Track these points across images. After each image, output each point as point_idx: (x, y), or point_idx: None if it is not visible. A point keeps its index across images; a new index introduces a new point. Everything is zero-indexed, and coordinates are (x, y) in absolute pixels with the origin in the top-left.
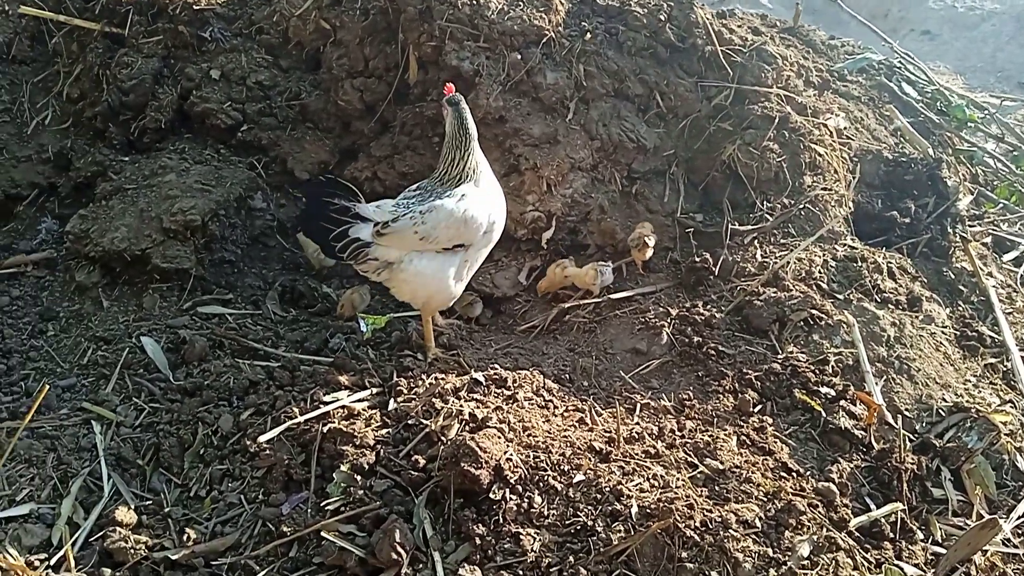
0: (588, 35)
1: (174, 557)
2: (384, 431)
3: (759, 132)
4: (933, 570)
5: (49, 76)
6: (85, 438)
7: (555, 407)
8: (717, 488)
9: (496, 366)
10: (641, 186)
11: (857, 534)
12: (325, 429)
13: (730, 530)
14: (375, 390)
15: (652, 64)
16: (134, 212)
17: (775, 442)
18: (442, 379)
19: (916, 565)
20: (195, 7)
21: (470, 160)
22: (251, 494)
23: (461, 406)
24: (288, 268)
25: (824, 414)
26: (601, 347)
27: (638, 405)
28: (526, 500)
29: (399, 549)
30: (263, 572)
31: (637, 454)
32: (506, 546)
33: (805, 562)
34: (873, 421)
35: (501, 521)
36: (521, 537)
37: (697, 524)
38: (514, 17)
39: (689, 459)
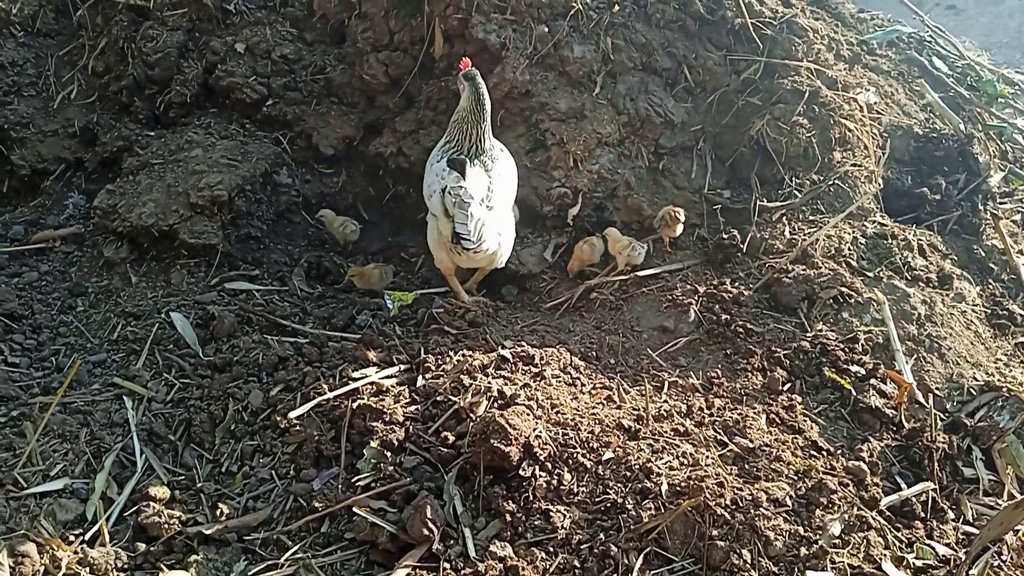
0: (616, 7)
1: (208, 532)
2: (413, 408)
3: (789, 107)
4: (965, 550)
5: (74, 50)
6: (117, 413)
7: (582, 384)
8: (747, 466)
9: (523, 343)
10: (668, 162)
11: (888, 513)
12: (355, 405)
13: (761, 508)
14: (403, 367)
15: (680, 37)
16: (161, 187)
17: (805, 421)
18: (470, 356)
19: (947, 545)
20: None
21: (487, 134)
22: (282, 470)
23: (489, 383)
24: (313, 244)
25: (854, 392)
26: (628, 325)
27: (666, 383)
28: (556, 477)
29: (430, 525)
30: (295, 547)
31: (666, 432)
32: (536, 523)
33: (836, 541)
34: (903, 400)
35: (531, 498)
36: (551, 514)
37: (727, 502)
38: None
39: (718, 437)
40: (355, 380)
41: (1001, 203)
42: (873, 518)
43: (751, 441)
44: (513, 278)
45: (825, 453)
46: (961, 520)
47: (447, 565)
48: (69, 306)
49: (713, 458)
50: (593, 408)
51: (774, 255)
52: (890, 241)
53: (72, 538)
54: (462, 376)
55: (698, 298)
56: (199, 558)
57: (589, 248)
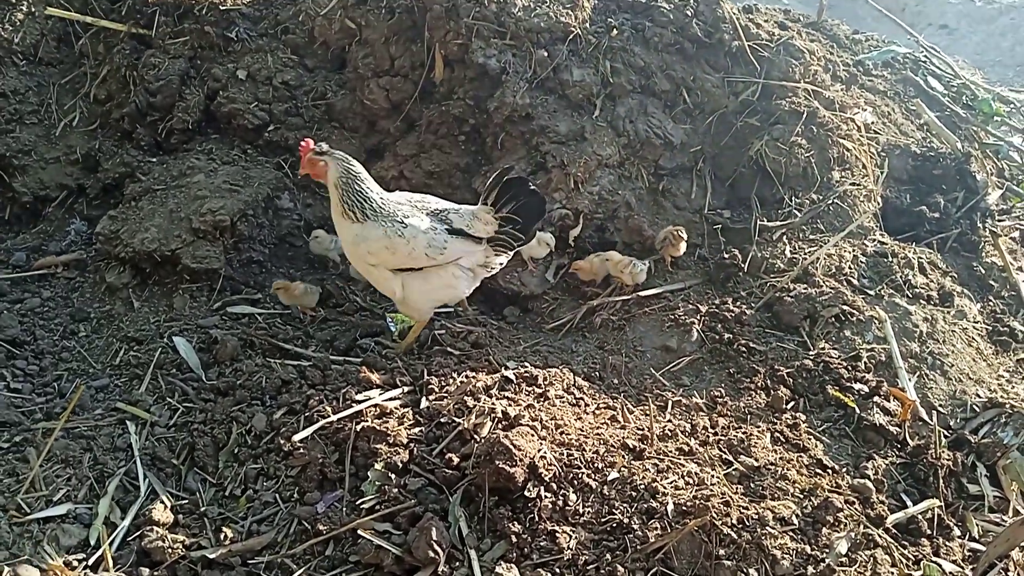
0: (614, 31)
1: (212, 556)
2: (417, 429)
3: (787, 127)
4: (972, 567)
5: (76, 77)
6: (120, 438)
7: (586, 405)
8: (752, 485)
9: (526, 364)
10: (668, 182)
11: (894, 531)
12: (358, 427)
13: (767, 527)
14: (406, 388)
15: (679, 60)
16: (164, 213)
17: (809, 439)
18: (473, 377)
19: (954, 562)
20: (221, 7)
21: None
22: (286, 493)
23: (493, 404)
24: (315, 268)
25: (858, 410)
26: (631, 344)
27: (670, 402)
28: (561, 498)
29: (436, 547)
30: (300, 570)
31: (671, 451)
32: (542, 544)
33: (843, 559)
34: (907, 417)
35: (536, 519)
36: (557, 535)
37: (734, 521)
38: (540, 14)
39: (723, 456)
40: (358, 402)
41: (999, 220)
42: (880, 536)
43: (756, 460)
44: (515, 299)
45: (830, 471)
46: (967, 537)
47: None
48: (71, 331)
49: (718, 477)
50: (597, 428)
51: (775, 274)
52: (890, 259)
53: (76, 564)
54: (466, 397)
55: (700, 317)
56: None
57: (600, 262)
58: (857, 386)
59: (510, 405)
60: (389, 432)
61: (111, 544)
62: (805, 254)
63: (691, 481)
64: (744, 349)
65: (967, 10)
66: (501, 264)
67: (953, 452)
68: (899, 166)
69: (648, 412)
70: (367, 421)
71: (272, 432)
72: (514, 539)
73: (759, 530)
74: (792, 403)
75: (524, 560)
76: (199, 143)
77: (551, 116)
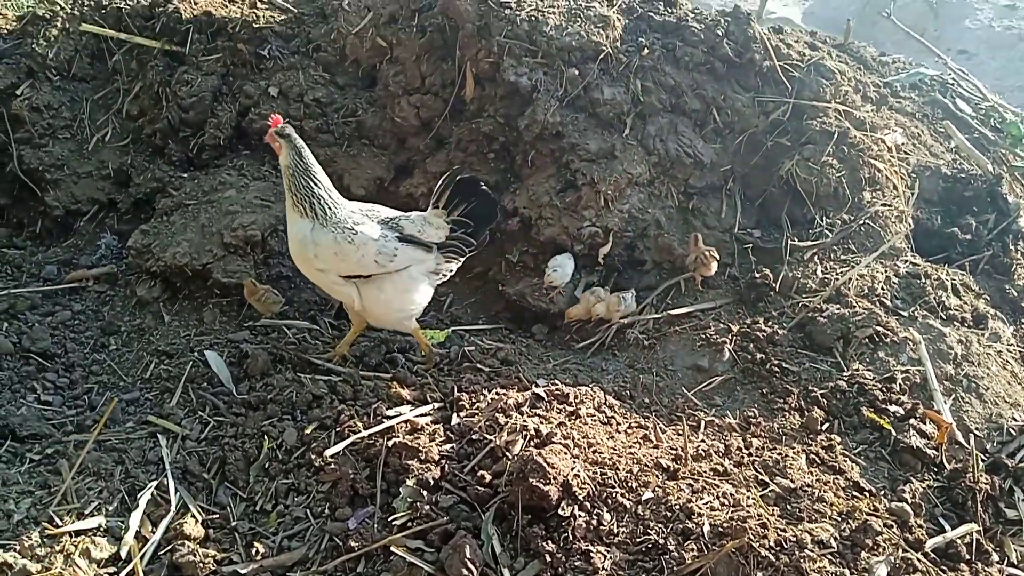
0: (645, 51)
1: (243, 572)
2: (448, 446)
3: (818, 147)
4: None
5: (109, 93)
6: (151, 451)
7: (618, 423)
8: (789, 507)
9: (556, 382)
10: (698, 201)
11: (933, 555)
12: (390, 443)
13: (805, 550)
14: (437, 405)
15: (709, 79)
16: (195, 227)
17: (845, 461)
18: (504, 394)
19: None
20: (254, 25)
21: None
22: (317, 508)
23: (525, 421)
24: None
25: (894, 433)
26: (661, 363)
27: (702, 422)
28: (595, 517)
29: (469, 565)
30: None
31: (705, 472)
32: (576, 563)
33: None
34: (944, 440)
35: (571, 538)
36: (592, 555)
37: (771, 543)
38: (572, 33)
39: (759, 477)
40: (389, 418)
41: None
42: (919, 560)
43: (792, 481)
44: (543, 317)
45: (868, 494)
46: (1005, 562)
47: None
48: (102, 345)
49: (754, 498)
50: (630, 447)
51: (807, 294)
52: (923, 281)
53: None
54: (497, 414)
55: (732, 337)
56: None
57: (595, 300)
58: (892, 408)
59: (542, 423)
60: (420, 448)
61: (142, 558)
62: (837, 274)
63: (727, 502)
64: (777, 369)
65: (986, 36)
66: (451, 271)
67: (991, 476)
68: (930, 187)
69: (681, 432)
70: (398, 437)
71: (303, 447)
72: (548, 558)
73: (797, 552)
74: (827, 424)
75: None
76: (230, 159)
77: (581, 134)
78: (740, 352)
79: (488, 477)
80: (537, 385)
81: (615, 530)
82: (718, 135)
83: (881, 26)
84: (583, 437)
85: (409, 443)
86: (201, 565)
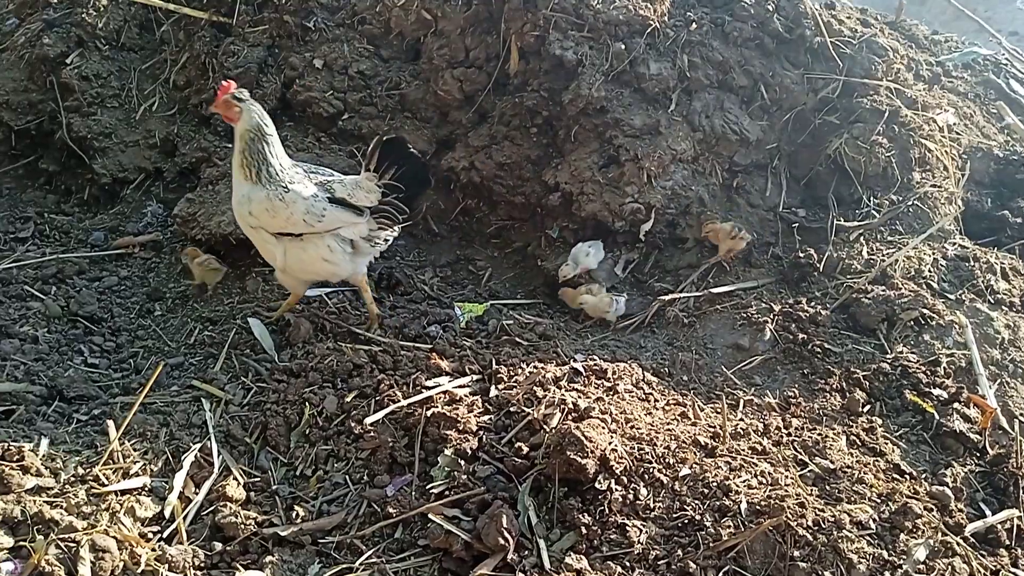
0: (693, 25)
1: (283, 534)
2: (486, 417)
3: (868, 126)
4: None
5: (157, 63)
6: (195, 415)
7: (655, 400)
8: (828, 488)
9: (595, 357)
10: (743, 179)
11: (973, 540)
12: (428, 413)
13: (844, 530)
14: (475, 376)
15: (758, 55)
16: None
17: (886, 443)
18: (542, 368)
19: None
20: None
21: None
22: (355, 475)
23: (563, 395)
24: (384, 256)
25: (937, 416)
26: (701, 342)
27: (741, 401)
28: (631, 492)
29: (506, 535)
30: (369, 552)
31: (743, 450)
32: (612, 537)
33: (920, 566)
34: (987, 425)
35: (607, 511)
36: (628, 528)
37: (809, 523)
38: (619, 7)
39: (798, 457)
40: (428, 388)
41: None
42: (958, 544)
43: (831, 462)
44: None
45: (908, 477)
46: None
47: (521, 575)
48: (147, 310)
49: (793, 478)
50: (668, 424)
51: (852, 275)
52: (972, 264)
53: (151, 535)
54: (535, 387)
55: (773, 316)
56: (274, 559)
57: (607, 306)
58: (936, 392)
59: (580, 397)
60: (459, 419)
61: (185, 518)
62: (883, 256)
63: (765, 481)
64: (819, 350)
65: None
66: (387, 240)
67: None
68: (980, 169)
69: (719, 410)
70: (437, 407)
71: (343, 415)
72: (584, 530)
73: (835, 533)
74: (868, 406)
75: (593, 552)
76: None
77: (626, 109)
78: (781, 332)
79: (525, 449)
80: (575, 360)
81: (651, 505)
82: (765, 112)
83: (930, 4)
84: (620, 412)
85: (448, 413)
86: (242, 526)
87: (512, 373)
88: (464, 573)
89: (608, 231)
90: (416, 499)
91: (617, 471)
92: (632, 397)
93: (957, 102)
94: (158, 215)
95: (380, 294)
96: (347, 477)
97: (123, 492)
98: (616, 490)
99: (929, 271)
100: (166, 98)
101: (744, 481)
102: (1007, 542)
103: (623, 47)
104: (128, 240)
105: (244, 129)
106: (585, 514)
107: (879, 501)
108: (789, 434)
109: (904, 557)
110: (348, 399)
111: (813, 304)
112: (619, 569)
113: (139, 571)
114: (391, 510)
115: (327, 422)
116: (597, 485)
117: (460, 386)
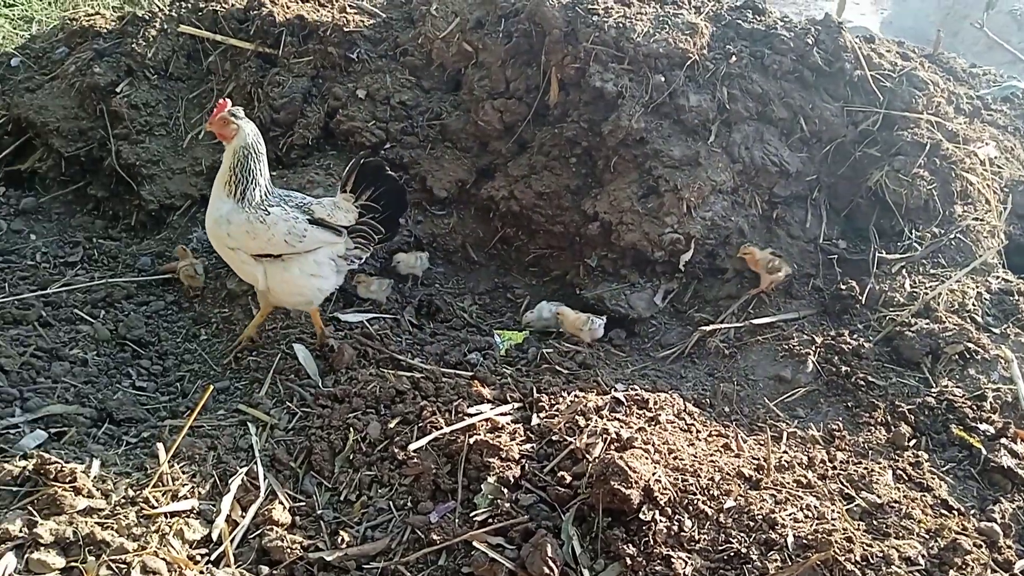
0: (733, 58)
1: (329, 559)
2: (528, 446)
3: (909, 159)
4: None
5: (203, 93)
6: (242, 439)
7: (698, 431)
8: (875, 522)
9: (635, 387)
10: (782, 211)
11: None
12: (471, 441)
13: (892, 566)
14: (516, 405)
15: (797, 88)
16: None
17: (933, 478)
18: (583, 397)
19: None
20: (344, 29)
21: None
22: (399, 501)
23: (605, 425)
24: (424, 283)
25: (984, 451)
26: (742, 373)
27: (784, 433)
28: (676, 523)
29: (551, 563)
30: None
31: (788, 483)
32: (657, 568)
33: None
34: None
35: (651, 543)
36: (672, 560)
37: (857, 558)
38: (659, 40)
39: (844, 491)
40: (471, 416)
41: None
42: None
43: (878, 496)
44: (622, 322)
45: (956, 512)
46: None
47: None
48: (193, 335)
49: (840, 512)
50: (711, 455)
51: (894, 308)
52: (1016, 298)
53: (199, 558)
54: (577, 416)
55: (815, 348)
56: None
57: (583, 324)
58: (982, 426)
59: (622, 427)
60: (501, 447)
61: (232, 541)
62: (926, 288)
63: (811, 514)
64: (863, 383)
65: None
66: (361, 260)
67: None
68: (1022, 203)
69: (762, 442)
70: (479, 435)
71: (386, 441)
72: (628, 561)
73: (884, 568)
74: (914, 441)
75: None
76: (317, 158)
77: (665, 140)
78: (824, 364)
79: (568, 478)
80: (616, 389)
81: (696, 537)
82: (805, 144)
83: (962, 36)
84: (663, 443)
85: (490, 441)
86: (288, 551)
87: (553, 402)
88: None
89: (647, 261)
90: (459, 526)
91: (661, 502)
92: (674, 428)
93: (997, 135)
94: (203, 241)
95: (420, 321)
96: (391, 503)
97: (172, 514)
98: (660, 521)
99: (973, 305)
100: None
101: (790, 515)
102: None
103: (663, 79)
104: (174, 265)
105: (239, 146)
106: (629, 545)
107: (927, 537)
108: (834, 467)
109: None
110: (391, 425)
111: (856, 336)
112: None
113: None
114: (435, 537)
115: (371, 448)
116: (641, 516)
117: (502, 414)
